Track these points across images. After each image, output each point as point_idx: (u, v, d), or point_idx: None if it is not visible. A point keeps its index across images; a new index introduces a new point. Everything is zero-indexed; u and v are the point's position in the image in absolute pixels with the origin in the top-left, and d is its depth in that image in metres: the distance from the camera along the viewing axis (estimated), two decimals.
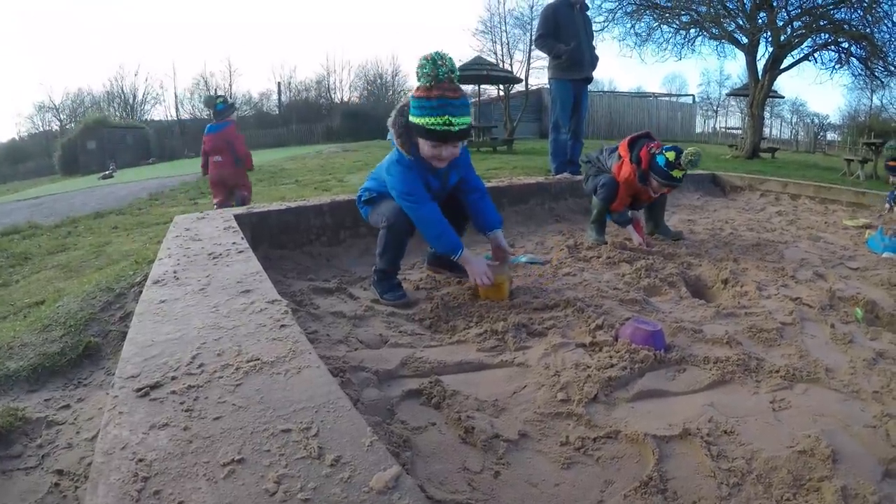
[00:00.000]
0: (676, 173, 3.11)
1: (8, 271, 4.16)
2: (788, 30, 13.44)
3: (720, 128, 36.70)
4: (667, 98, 32.16)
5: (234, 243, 2.13)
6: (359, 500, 0.71)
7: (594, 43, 5.85)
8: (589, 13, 6.08)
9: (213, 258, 1.93)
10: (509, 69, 24.44)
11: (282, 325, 1.25)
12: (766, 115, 19.68)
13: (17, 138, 43.64)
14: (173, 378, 1.05)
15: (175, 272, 1.77)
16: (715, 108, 46.92)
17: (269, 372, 1.04)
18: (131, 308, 2.43)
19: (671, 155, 3.12)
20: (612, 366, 1.70)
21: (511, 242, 3.46)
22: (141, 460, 0.81)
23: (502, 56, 28.17)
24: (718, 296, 2.61)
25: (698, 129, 32.50)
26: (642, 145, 3.27)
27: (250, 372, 1.04)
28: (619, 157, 3.37)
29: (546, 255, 3.12)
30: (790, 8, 13.35)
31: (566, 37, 5.45)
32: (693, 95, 34.82)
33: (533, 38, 5.73)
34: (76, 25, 74.92)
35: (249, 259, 1.88)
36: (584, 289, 2.47)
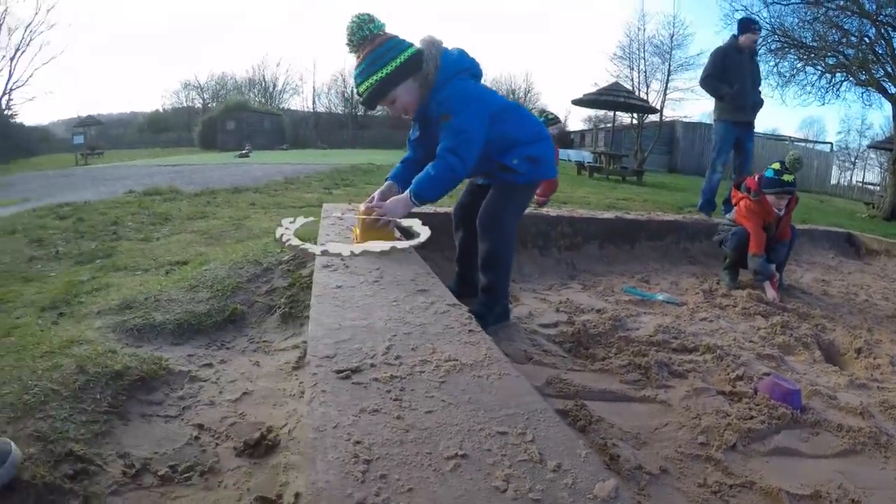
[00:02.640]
0: (787, 177, 3.35)
1: (149, 228, 4.29)
2: None
3: (857, 181, 33.88)
4: (803, 143, 30.20)
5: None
6: None
7: (759, 88, 5.79)
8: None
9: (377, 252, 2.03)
10: (645, 98, 23.73)
11: (470, 330, 1.31)
12: None
13: (160, 110, 47.84)
14: (372, 365, 1.09)
15: (342, 260, 1.86)
16: (853, 159, 43.35)
17: (470, 373, 1.09)
18: (278, 284, 2.56)
19: (776, 165, 3.42)
20: (751, 417, 1.72)
21: (646, 278, 3.48)
22: (358, 442, 0.82)
23: (639, 83, 27.39)
24: (851, 364, 2.54)
25: (833, 181, 30.07)
26: (742, 180, 3.63)
27: (451, 371, 1.09)
28: (734, 205, 3.65)
29: (681, 297, 3.12)
30: None
31: (731, 80, 5.45)
32: (831, 143, 32.46)
33: (700, 77, 5.75)
34: (226, 14, 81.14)
35: (415, 258, 1.96)
36: (720, 336, 2.45)
